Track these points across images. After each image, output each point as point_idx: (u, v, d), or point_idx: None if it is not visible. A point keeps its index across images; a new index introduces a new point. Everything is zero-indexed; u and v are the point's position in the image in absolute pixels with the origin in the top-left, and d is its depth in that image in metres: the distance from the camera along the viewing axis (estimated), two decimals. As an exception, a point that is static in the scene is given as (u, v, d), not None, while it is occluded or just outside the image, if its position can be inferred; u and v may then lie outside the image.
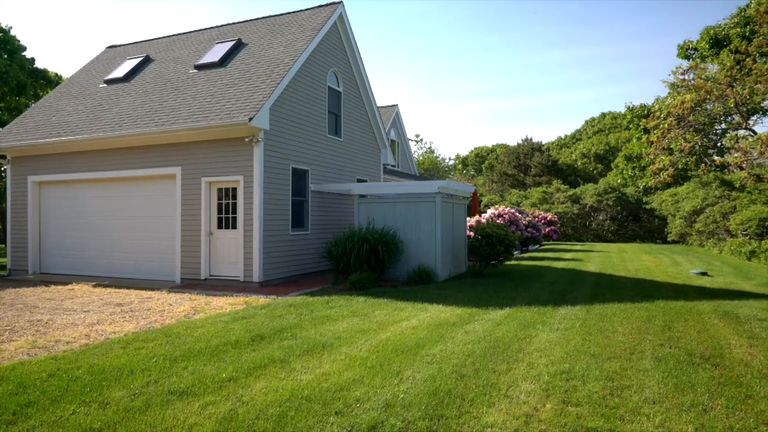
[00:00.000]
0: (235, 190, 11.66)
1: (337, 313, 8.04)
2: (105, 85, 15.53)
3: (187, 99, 12.69)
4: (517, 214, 21.46)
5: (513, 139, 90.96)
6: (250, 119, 10.72)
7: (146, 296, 10.19)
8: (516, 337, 6.41)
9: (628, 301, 9.04)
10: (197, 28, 17.31)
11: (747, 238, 20.80)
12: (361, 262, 11.33)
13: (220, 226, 11.85)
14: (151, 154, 12.51)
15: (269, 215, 11.56)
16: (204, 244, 11.81)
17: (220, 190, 11.87)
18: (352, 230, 11.88)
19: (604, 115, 59.24)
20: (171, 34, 17.95)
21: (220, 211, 11.87)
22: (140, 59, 16.10)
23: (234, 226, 11.65)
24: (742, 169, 13.25)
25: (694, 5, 79.99)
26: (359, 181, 15.90)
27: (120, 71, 15.81)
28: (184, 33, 17.46)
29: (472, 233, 13.44)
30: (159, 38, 17.79)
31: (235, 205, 11.67)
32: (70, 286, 11.69)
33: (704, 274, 13.97)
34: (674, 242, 30.33)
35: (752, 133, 13.58)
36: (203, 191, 11.84)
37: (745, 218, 20.29)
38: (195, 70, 14.14)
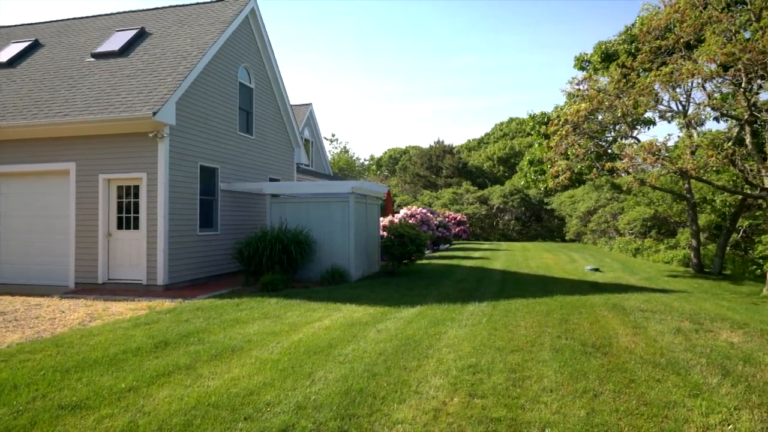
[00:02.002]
0: (137, 188, 10.98)
1: (247, 315, 7.82)
2: (-16, 70, 14.01)
3: (83, 89, 11.76)
4: (428, 214, 22.06)
5: (426, 142, 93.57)
6: (155, 113, 10.15)
7: (34, 303, 9.30)
8: (426, 334, 6.59)
9: (530, 297, 9.61)
10: (94, 14, 16.11)
11: (633, 236, 22.87)
12: (274, 262, 11.11)
13: (120, 227, 11.09)
14: (40, 147, 11.44)
15: (175, 215, 11.00)
16: (102, 246, 11.00)
17: (120, 188, 11.12)
18: (264, 230, 11.61)
19: (511, 119, 62.39)
20: (64, 18, 16.55)
21: (120, 211, 11.11)
22: (28, 43, 14.68)
23: (136, 227, 10.96)
24: (628, 173, 14.55)
25: (592, 20, 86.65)
26: (272, 180, 15.57)
27: (3, 55, 14.31)
28: (79, 18, 16.14)
29: (385, 233, 13.64)
30: (50, 21, 16.32)
31: (137, 204, 10.98)
32: (-60, 294, 10.41)
33: (597, 270, 15.19)
34: (572, 241, 32.66)
35: (636, 141, 14.96)
36: (101, 189, 11.03)
37: (631, 219, 22.31)
38: (92, 59, 13.13)
